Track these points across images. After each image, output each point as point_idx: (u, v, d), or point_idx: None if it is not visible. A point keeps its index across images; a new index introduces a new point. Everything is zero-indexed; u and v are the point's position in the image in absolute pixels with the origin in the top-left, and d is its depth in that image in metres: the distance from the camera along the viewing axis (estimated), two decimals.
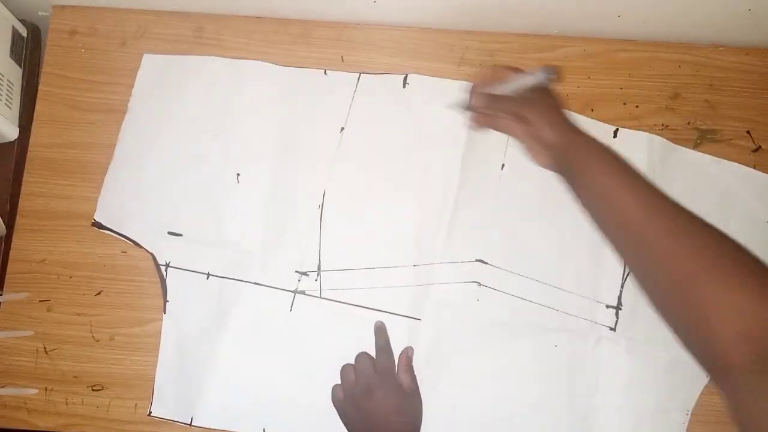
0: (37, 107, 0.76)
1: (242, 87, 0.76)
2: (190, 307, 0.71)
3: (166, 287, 0.71)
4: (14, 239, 0.73)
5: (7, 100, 0.74)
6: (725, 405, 0.42)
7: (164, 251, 0.72)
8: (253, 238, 0.72)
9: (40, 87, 0.77)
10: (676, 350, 0.70)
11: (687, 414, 0.69)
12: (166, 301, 0.71)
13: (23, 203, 0.74)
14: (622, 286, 0.71)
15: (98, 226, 0.73)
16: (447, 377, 0.69)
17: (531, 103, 0.57)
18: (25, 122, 0.76)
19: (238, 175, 0.73)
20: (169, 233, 0.72)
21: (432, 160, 0.72)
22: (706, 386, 0.69)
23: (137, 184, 0.74)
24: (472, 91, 0.61)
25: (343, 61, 0.77)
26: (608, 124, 0.76)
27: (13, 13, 0.77)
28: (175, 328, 0.70)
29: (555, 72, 0.56)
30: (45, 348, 0.71)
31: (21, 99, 0.78)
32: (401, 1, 0.75)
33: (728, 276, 0.44)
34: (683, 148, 0.76)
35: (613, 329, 0.70)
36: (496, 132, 0.60)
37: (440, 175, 0.73)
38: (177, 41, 0.78)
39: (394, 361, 0.67)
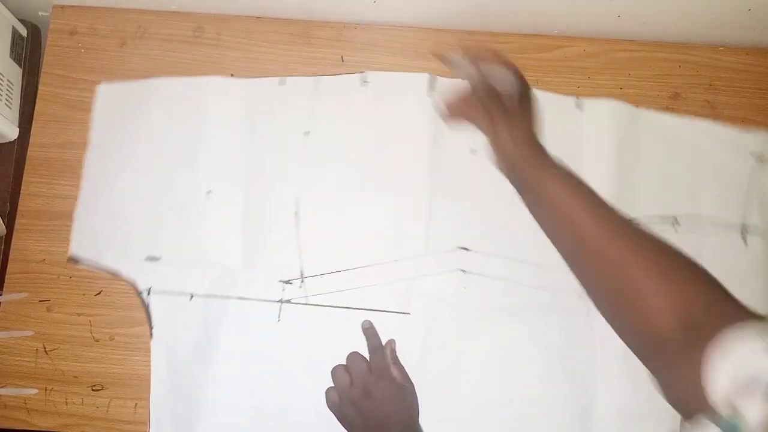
0: (37, 107, 0.76)
1: (202, 104, 0.75)
2: (177, 330, 0.70)
3: (150, 313, 0.70)
4: (14, 239, 0.73)
5: (7, 100, 0.74)
6: (656, 384, 0.48)
7: (144, 277, 0.71)
8: (233, 253, 0.72)
9: (40, 87, 0.77)
10: None
11: None
12: (151, 327, 0.70)
13: (23, 203, 0.74)
14: None
15: (75, 260, 0.72)
16: (442, 367, 0.69)
17: (502, 106, 0.56)
18: (25, 122, 0.76)
19: (209, 192, 0.73)
20: (147, 258, 0.72)
21: (401, 154, 0.72)
22: None
23: (109, 215, 0.73)
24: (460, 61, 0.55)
25: (343, 61, 0.77)
26: (568, 95, 0.76)
27: (13, 13, 0.77)
28: (165, 353, 0.70)
29: (514, 80, 0.54)
30: (45, 348, 0.71)
31: (21, 99, 0.78)
32: (401, 1, 0.75)
33: (662, 271, 0.50)
34: (648, 111, 0.76)
35: None
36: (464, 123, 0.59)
37: (412, 167, 0.73)
38: (177, 41, 0.78)
39: (387, 358, 0.67)
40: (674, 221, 0.73)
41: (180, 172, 0.74)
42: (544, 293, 0.71)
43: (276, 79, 0.76)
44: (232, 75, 0.77)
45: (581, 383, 0.69)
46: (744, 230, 0.73)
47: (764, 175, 0.75)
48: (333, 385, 0.66)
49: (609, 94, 0.77)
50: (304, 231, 0.72)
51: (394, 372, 0.66)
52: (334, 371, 0.66)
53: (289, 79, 0.76)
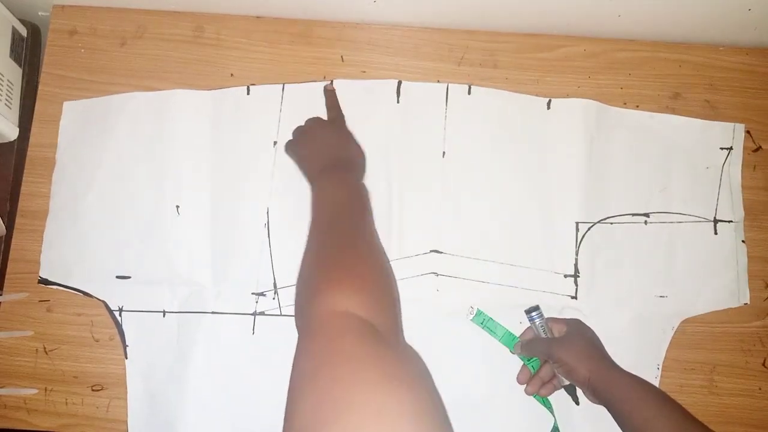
0: (37, 107, 0.76)
1: (168, 117, 0.75)
2: (151, 348, 0.70)
3: (123, 332, 0.70)
4: (14, 239, 0.73)
5: (7, 100, 0.74)
6: None
7: (115, 296, 0.71)
8: (203, 268, 0.71)
9: (40, 87, 0.77)
10: (639, 309, 0.72)
11: (658, 368, 0.71)
12: (125, 346, 0.70)
13: (23, 203, 0.74)
14: (576, 254, 0.72)
15: (45, 282, 0.71)
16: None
17: (560, 343, 0.64)
18: (25, 122, 0.76)
19: (177, 207, 0.72)
20: (117, 277, 0.71)
21: (371, 160, 0.72)
22: (672, 340, 0.71)
23: (77, 234, 0.72)
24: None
25: (343, 61, 0.77)
26: (542, 96, 0.76)
27: (13, 13, 0.77)
28: (140, 372, 0.69)
29: (536, 310, 0.67)
30: (45, 348, 0.71)
31: (21, 99, 0.78)
32: (401, 1, 0.75)
33: None
34: (618, 108, 0.77)
35: (575, 297, 0.71)
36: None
37: (382, 172, 0.73)
38: (177, 41, 0.78)
39: (343, 115, 0.72)
40: (646, 216, 0.74)
41: (147, 189, 0.73)
42: (516, 292, 0.71)
43: (242, 88, 0.75)
44: (232, 75, 0.77)
45: None
46: (715, 221, 0.74)
47: (732, 165, 0.76)
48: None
49: (609, 94, 0.77)
50: (276, 242, 0.72)
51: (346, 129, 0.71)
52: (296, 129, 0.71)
53: (256, 88, 0.75)
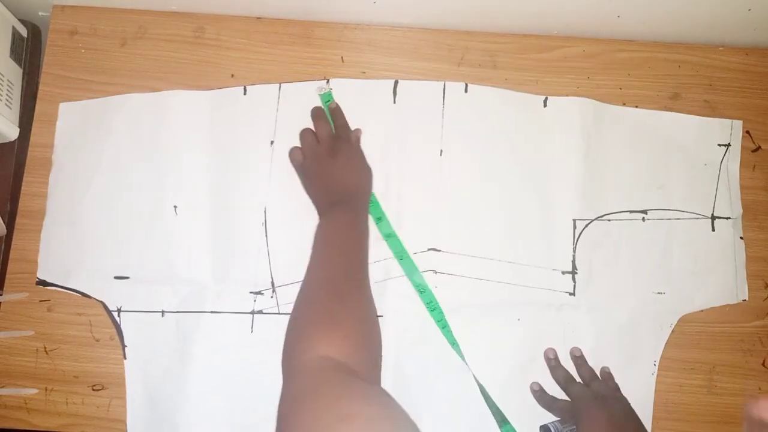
0: (37, 107, 0.76)
1: (165, 118, 0.75)
2: (150, 348, 0.70)
3: (122, 332, 0.70)
4: (14, 239, 0.73)
5: (7, 100, 0.74)
6: None
7: (114, 296, 0.71)
8: (202, 267, 0.71)
9: (40, 87, 0.77)
10: (636, 306, 0.72)
11: (655, 365, 0.71)
12: (124, 347, 0.70)
13: (23, 203, 0.74)
14: (574, 251, 0.73)
15: (43, 283, 0.71)
16: (418, 366, 0.69)
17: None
18: (25, 122, 0.76)
19: (175, 207, 0.72)
20: (116, 278, 0.71)
21: (368, 158, 0.72)
22: (671, 339, 0.71)
23: (75, 235, 0.72)
24: None
25: (343, 61, 0.77)
26: (535, 94, 0.77)
27: (13, 13, 0.77)
28: (139, 372, 0.69)
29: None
30: (45, 348, 0.71)
31: (21, 99, 0.78)
32: (401, 1, 0.75)
33: None
34: (615, 106, 0.77)
35: (572, 294, 0.72)
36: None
37: (379, 170, 0.73)
38: (177, 42, 0.78)
39: (351, 131, 0.71)
40: (644, 212, 0.74)
41: (145, 189, 0.73)
42: (514, 289, 0.72)
43: (239, 89, 0.76)
44: (232, 75, 0.77)
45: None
46: (713, 217, 0.74)
47: (730, 162, 0.76)
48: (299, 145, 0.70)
49: (608, 95, 0.77)
50: (273, 240, 0.72)
51: (357, 152, 0.69)
52: (302, 132, 0.70)
53: (252, 88, 0.76)
